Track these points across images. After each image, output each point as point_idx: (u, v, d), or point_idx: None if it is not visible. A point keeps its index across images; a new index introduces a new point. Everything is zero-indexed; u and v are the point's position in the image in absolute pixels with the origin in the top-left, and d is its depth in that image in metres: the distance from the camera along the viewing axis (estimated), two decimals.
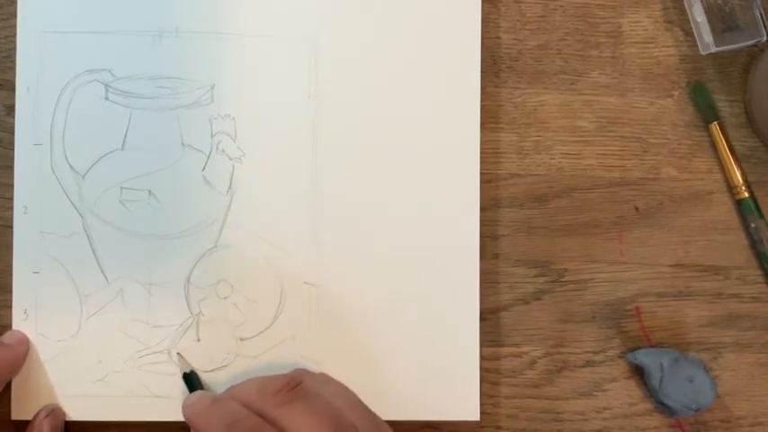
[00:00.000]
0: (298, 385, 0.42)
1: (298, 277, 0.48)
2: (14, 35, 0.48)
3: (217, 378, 0.47)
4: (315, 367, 0.48)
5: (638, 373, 0.50)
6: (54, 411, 0.46)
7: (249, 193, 0.48)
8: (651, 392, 0.49)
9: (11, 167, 0.48)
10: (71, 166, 0.48)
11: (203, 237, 0.48)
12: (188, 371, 0.47)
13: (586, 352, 0.50)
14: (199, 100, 0.48)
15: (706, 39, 0.49)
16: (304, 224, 0.48)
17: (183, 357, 0.47)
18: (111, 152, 0.48)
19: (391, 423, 0.48)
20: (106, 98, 0.48)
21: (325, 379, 0.45)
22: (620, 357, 0.50)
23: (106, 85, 0.48)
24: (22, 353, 0.46)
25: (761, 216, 0.50)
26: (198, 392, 0.46)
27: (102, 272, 0.48)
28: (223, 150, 0.48)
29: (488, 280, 0.50)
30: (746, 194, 0.50)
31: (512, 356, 0.50)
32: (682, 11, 0.51)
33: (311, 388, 0.42)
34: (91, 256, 0.47)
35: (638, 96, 0.51)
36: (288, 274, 0.48)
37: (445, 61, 0.49)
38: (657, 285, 0.51)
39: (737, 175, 0.50)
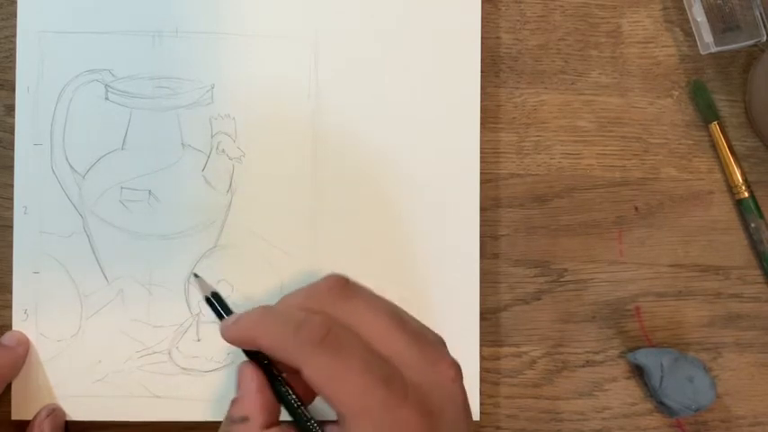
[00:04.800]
0: (347, 282, 0.39)
1: (298, 277, 0.48)
2: (14, 35, 0.48)
3: (217, 378, 0.47)
4: None
5: (638, 373, 0.50)
6: (55, 411, 0.46)
7: (249, 193, 0.48)
8: (651, 392, 0.49)
9: (11, 167, 0.48)
10: (71, 166, 0.48)
11: (203, 237, 0.48)
12: (209, 294, 0.42)
13: (586, 352, 0.50)
14: (199, 100, 0.48)
15: (706, 39, 0.50)
16: (304, 224, 0.48)
17: (201, 278, 0.43)
18: (111, 152, 0.48)
19: None
20: (106, 98, 0.48)
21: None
22: (620, 357, 0.50)
23: (106, 85, 0.48)
24: (22, 354, 0.46)
25: (761, 216, 0.50)
26: (235, 314, 0.40)
27: (102, 272, 0.48)
28: (223, 150, 0.48)
29: (488, 280, 0.50)
30: (746, 194, 0.50)
31: (512, 356, 0.50)
32: (682, 11, 0.51)
33: (359, 285, 0.39)
34: (91, 256, 0.47)
35: (638, 96, 0.51)
36: (288, 274, 0.48)
37: (445, 61, 0.49)
38: (657, 285, 0.51)
39: (737, 175, 0.50)
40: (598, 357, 0.50)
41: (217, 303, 0.42)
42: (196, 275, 0.44)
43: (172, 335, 0.48)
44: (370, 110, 0.49)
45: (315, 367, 0.36)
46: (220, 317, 0.42)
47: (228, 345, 0.47)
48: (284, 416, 0.39)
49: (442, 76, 0.49)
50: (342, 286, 0.38)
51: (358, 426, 0.35)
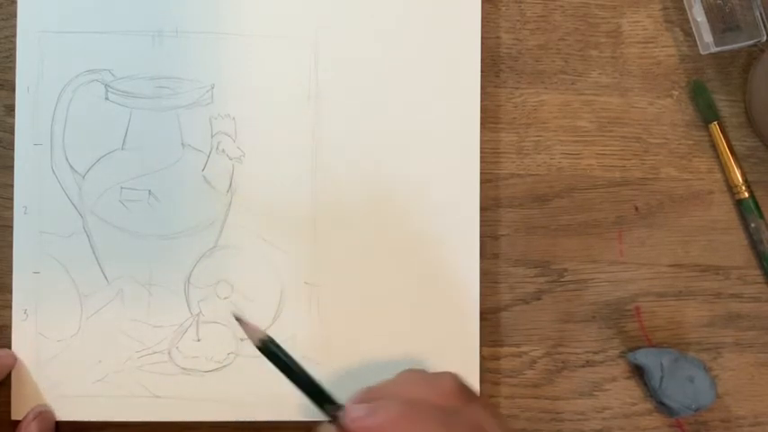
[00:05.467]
0: (465, 386, 0.39)
1: (298, 277, 0.48)
2: (14, 35, 0.48)
3: (217, 378, 0.47)
4: (315, 367, 0.48)
5: (638, 373, 0.50)
6: (42, 414, 0.46)
7: (249, 193, 0.48)
8: (651, 392, 0.49)
9: (11, 167, 0.48)
10: (71, 166, 0.48)
11: (203, 237, 0.48)
12: (264, 339, 0.38)
13: (586, 352, 0.50)
14: (199, 100, 0.48)
15: (706, 39, 0.49)
16: (304, 224, 0.48)
17: (244, 320, 0.38)
18: (111, 152, 0.48)
19: None
20: (106, 98, 0.48)
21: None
22: (620, 357, 0.50)
23: (106, 85, 0.48)
24: (9, 364, 0.46)
25: (761, 216, 0.50)
26: (362, 405, 0.38)
27: (102, 272, 0.48)
28: (223, 150, 0.48)
29: (488, 280, 0.50)
30: (746, 194, 0.50)
31: (512, 356, 0.50)
32: (682, 11, 0.51)
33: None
34: (91, 256, 0.47)
35: (638, 96, 0.51)
36: (288, 274, 0.48)
37: (445, 61, 0.49)
38: (657, 285, 0.51)
39: (737, 175, 0.50)
40: (598, 357, 0.50)
41: (274, 351, 0.38)
42: (238, 318, 0.39)
43: (172, 335, 0.48)
44: (370, 110, 0.49)
45: None
46: (284, 369, 0.39)
47: (228, 345, 0.48)
48: None
49: (442, 76, 0.49)
50: (463, 390, 0.39)
51: None
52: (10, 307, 0.47)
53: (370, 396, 0.39)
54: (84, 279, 0.47)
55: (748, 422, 0.51)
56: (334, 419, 0.38)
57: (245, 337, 0.48)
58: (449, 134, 0.49)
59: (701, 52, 0.50)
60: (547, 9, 0.51)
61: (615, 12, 0.51)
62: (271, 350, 0.39)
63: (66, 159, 0.48)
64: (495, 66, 0.51)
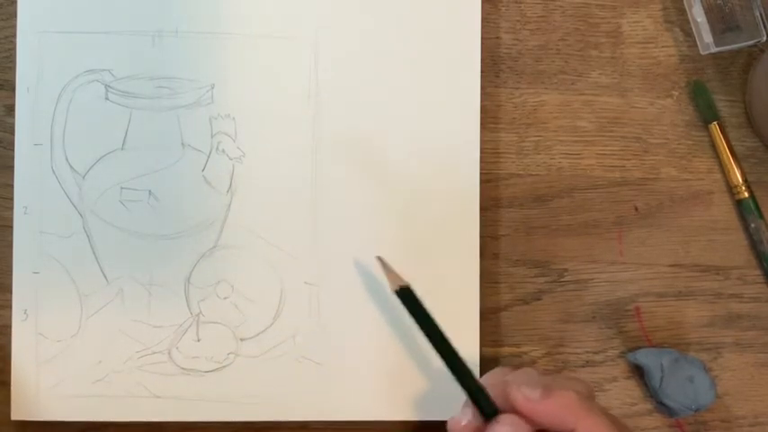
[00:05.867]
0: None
1: (298, 277, 0.48)
2: (14, 35, 0.48)
3: (216, 378, 0.47)
4: (315, 368, 0.48)
5: (638, 373, 0.50)
6: None
7: (249, 193, 0.48)
8: (651, 392, 0.49)
9: (11, 167, 0.48)
10: (71, 166, 0.48)
11: (203, 237, 0.48)
12: (402, 286, 0.40)
13: (586, 352, 0.50)
14: (199, 100, 0.48)
15: (706, 39, 0.49)
16: (304, 224, 0.48)
17: (386, 264, 0.41)
18: (111, 152, 0.48)
19: (392, 423, 0.48)
20: (106, 98, 0.48)
21: None
22: (620, 357, 0.50)
23: (106, 85, 0.48)
24: None
25: (761, 216, 0.50)
26: (537, 390, 0.38)
27: (102, 272, 0.48)
28: (223, 150, 0.48)
29: (488, 280, 0.50)
30: (746, 194, 0.50)
31: (512, 356, 0.50)
32: (682, 11, 0.51)
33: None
34: (91, 256, 0.47)
35: (638, 96, 0.51)
36: (288, 274, 0.48)
37: (445, 61, 0.49)
38: (657, 285, 0.51)
39: (737, 175, 0.50)
40: (598, 357, 0.50)
41: (409, 300, 0.40)
42: (381, 260, 0.42)
43: (172, 335, 0.48)
44: (370, 110, 0.49)
45: None
46: (418, 320, 0.41)
47: (228, 345, 0.48)
48: None
49: (442, 76, 0.49)
50: (593, 397, 0.40)
51: None
52: (10, 307, 0.47)
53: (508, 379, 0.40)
54: (84, 279, 0.47)
55: (748, 422, 0.51)
56: (469, 394, 0.40)
57: (246, 337, 0.48)
58: (449, 134, 0.49)
59: (701, 52, 0.50)
60: (547, 9, 0.51)
61: (615, 12, 0.51)
62: (407, 299, 0.40)
63: (66, 159, 0.48)
64: (495, 66, 0.51)
